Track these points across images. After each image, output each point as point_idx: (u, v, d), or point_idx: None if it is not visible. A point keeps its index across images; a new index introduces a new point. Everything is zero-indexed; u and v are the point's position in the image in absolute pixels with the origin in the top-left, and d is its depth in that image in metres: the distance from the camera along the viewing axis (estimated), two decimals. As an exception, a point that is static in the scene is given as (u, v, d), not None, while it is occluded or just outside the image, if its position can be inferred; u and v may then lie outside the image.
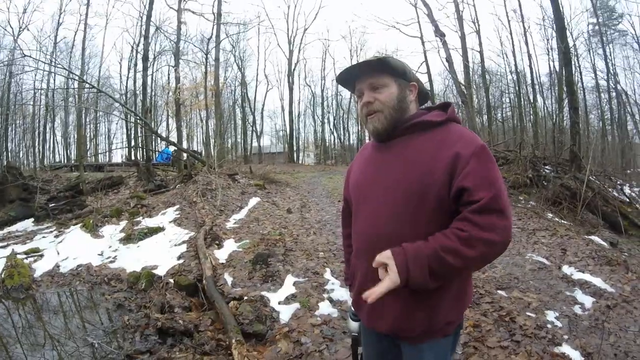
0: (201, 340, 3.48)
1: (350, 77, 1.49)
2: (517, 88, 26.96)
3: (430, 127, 1.40)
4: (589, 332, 3.44)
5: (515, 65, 26.83)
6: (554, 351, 3.11)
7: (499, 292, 4.28)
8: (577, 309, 3.89)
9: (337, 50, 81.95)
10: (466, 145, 1.29)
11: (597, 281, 4.50)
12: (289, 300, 4.17)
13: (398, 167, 1.38)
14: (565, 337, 3.34)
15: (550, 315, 3.73)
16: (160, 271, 5.17)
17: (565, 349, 3.15)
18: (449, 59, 16.34)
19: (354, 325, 1.72)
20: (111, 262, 5.81)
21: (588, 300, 4.06)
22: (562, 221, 7.34)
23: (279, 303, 4.10)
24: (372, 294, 1.19)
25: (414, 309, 1.35)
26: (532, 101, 26.04)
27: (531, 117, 26.52)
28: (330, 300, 4.15)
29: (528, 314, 3.75)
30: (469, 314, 3.69)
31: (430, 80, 24.55)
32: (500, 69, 32.14)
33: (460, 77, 18.27)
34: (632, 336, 3.38)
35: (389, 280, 1.19)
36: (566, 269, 4.92)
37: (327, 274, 4.82)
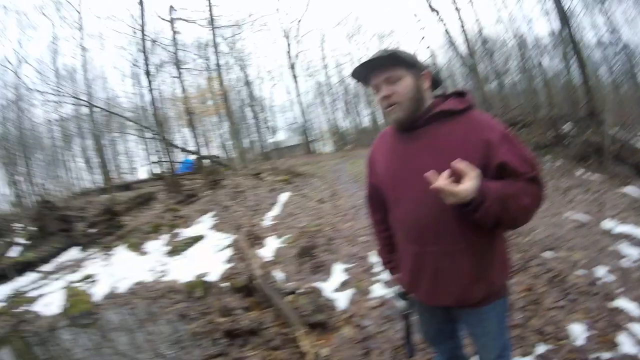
0: (268, 336, 3.57)
1: (364, 73, 1.57)
2: (521, 52, 26.64)
3: (453, 115, 1.50)
4: (642, 283, 3.42)
5: (516, 30, 26.50)
6: (611, 305, 3.15)
7: (546, 253, 4.25)
8: (625, 262, 3.88)
9: (334, 37, 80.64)
10: (493, 130, 1.43)
11: (641, 232, 4.45)
12: (342, 287, 4.28)
13: (432, 154, 1.47)
14: (619, 290, 3.36)
15: (600, 271, 3.73)
16: (212, 277, 5.29)
17: (621, 302, 3.17)
18: (447, 32, 16.26)
19: (401, 303, 1.84)
20: (163, 275, 5.96)
21: (635, 252, 4.04)
22: (594, 176, 7.26)
23: (333, 291, 4.22)
24: (442, 184, 1.27)
25: (474, 280, 1.51)
26: (538, 63, 25.74)
27: (540, 78, 26.23)
28: (381, 281, 4.20)
29: (578, 272, 3.74)
30: (521, 278, 3.73)
31: (432, 55, 24.40)
32: (500, 36, 31.74)
33: (462, 49, 18.12)
34: (687, 279, 3.33)
35: (462, 189, 1.27)
36: (607, 224, 4.88)
37: (373, 257, 4.84)
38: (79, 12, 18.42)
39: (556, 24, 21.42)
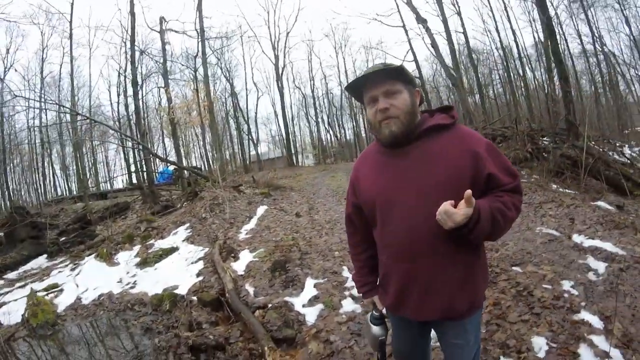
0: (234, 352, 3.54)
1: (358, 85, 1.57)
2: (505, 63, 27.10)
3: (442, 130, 1.54)
4: (605, 297, 3.46)
5: (500, 41, 27.01)
6: (573, 318, 3.15)
7: (514, 268, 4.30)
8: (591, 276, 3.90)
9: (321, 49, 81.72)
10: (479, 143, 1.50)
11: (608, 246, 4.50)
12: (312, 302, 4.24)
13: (426, 168, 1.49)
14: (583, 304, 3.37)
15: (566, 285, 3.74)
16: (182, 290, 5.20)
17: (584, 315, 3.19)
18: (434, 44, 16.45)
19: (376, 329, 1.78)
20: (131, 287, 5.83)
21: (601, 266, 4.06)
22: (567, 191, 7.34)
23: (303, 306, 4.19)
24: (448, 210, 1.32)
25: (460, 292, 1.54)
26: (521, 75, 26.13)
27: (522, 90, 26.63)
28: (352, 297, 4.19)
29: (544, 286, 3.76)
30: (488, 293, 3.73)
31: (418, 67, 24.62)
32: (486, 47, 32.39)
33: (447, 60, 18.36)
34: (647, 296, 3.37)
35: (462, 214, 1.31)
36: (576, 238, 4.92)
37: (345, 272, 4.85)
38: (70, 22, 18.34)
39: (541, 34, 21.99)
